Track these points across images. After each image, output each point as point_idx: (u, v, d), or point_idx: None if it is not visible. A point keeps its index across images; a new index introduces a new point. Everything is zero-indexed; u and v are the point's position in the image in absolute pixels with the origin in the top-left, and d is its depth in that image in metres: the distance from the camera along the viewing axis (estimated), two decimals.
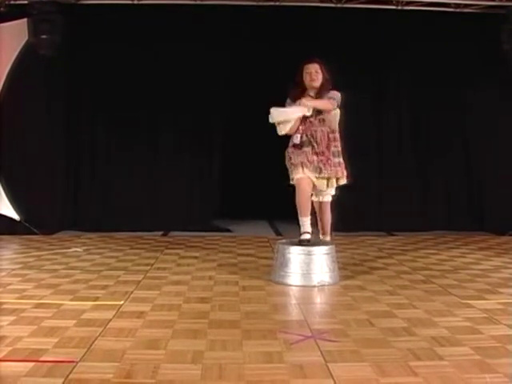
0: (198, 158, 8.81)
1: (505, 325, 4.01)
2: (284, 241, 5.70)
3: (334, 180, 5.64)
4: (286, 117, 5.51)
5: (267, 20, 8.32)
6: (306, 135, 5.55)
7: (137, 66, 8.33)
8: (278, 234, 8.45)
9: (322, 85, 5.63)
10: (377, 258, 6.61)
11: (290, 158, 5.60)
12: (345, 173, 5.67)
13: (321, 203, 5.85)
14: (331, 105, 5.56)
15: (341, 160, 5.65)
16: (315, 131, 5.56)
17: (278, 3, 8.17)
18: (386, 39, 8.51)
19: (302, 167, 5.49)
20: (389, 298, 4.81)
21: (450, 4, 8.20)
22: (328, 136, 5.59)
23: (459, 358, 3.35)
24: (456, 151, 8.94)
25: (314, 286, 5.21)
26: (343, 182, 5.71)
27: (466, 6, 8.23)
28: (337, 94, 5.62)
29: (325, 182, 5.58)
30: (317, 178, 5.52)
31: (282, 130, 5.56)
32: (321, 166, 5.50)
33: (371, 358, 3.35)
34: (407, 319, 4.14)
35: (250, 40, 8.61)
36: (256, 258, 6.60)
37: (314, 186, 5.60)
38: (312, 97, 5.61)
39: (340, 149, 5.67)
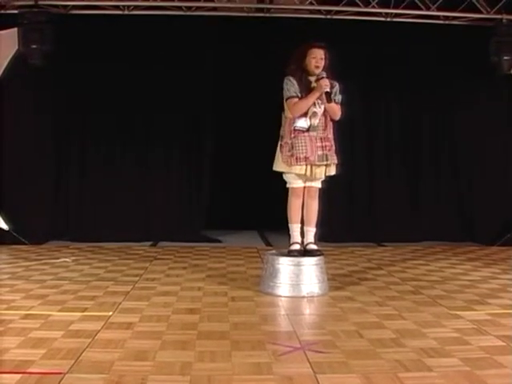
0: (188, 168, 8.80)
1: (493, 336, 4.02)
2: (273, 251, 5.69)
3: (332, 168, 5.42)
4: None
5: (257, 30, 8.34)
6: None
7: (127, 77, 8.31)
8: (268, 244, 8.45)
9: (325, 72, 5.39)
10: (366, 269, 6.61)
11: (293, 146, 5.29)
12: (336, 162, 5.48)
13: (311, 188, 5.51)
14: (340, 113, 5.41)
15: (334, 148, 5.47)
16: (322, 115, 5.37)
17: (268, 14, 8.22)
18: (377, 45, 8.51)
19: (306, 165, 5.28)
20: (378, 308, 4.82)
21: (438, 16, 8.27)
22: (330, 122, 5.42)
23: (448, 370, 3.35)
24: (445, 162, 8.99)
25: (303, 297, 5.20)
26: (333, 172, 5.48)
27: (454, 18, 8.30)
28: (338, 90, 5.44)
29: (323, 168, 5.38)
30: (318, 165, 5.33)
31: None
32: (326, 152, 5.32)
33: (360, 370, 3.35)
34: (396, 330, 4.15)
35: (239, 52, 8.62)
36: (245, 269, 6.60)
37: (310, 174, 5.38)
38: (324, 78, 5.28)
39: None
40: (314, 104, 5.34)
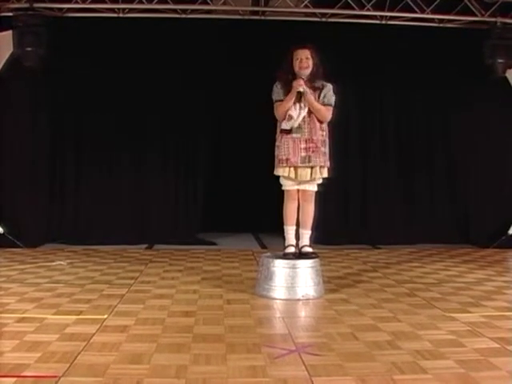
0: (183, 170, 8.80)
1: (488, 338, 4.03)
2: (268, 254, 5.68)
3: (318, 170, 5.38)
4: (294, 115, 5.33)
5: (253, 33, 8.33)
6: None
7: (123, 78, 8.30)
8: (263, 246, 8.44)
9: (313, 73, 5.39)
10: (361, 271, 6.62)
11: (278, 147, 5.39)
12: (328, 165, 5.45)
13: (306, 192, 5.49)
14: (328, 115, 5.40)
15: (326, 151, 5.43)
16: (308, 117, 5.34)
17: (263, 17, 8.22)
18: (372, 50, 8.50)
19: (288, 167, 5.30)
20: (373, 311, 4.82)
21: (433, 19, 8.28)
22: (317, 124, 5.37)
23: (443, 372, 3.36)
24: (440, 164, 9.00)
25: (299, 300, 5.20)
26: (325, 174, 5.45)
27: (449, 21, 8.32)
28: (330, 91, 5.43)
29: (309, 171, 5.36)
30: (302, 167, 5.32)
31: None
32: (310, 154, 5.30)
33: (355, 372, 3.35)
34: (391, 332, 4.15)
35: (235, 54, 8.61)
36: (241, 271, 6.59)
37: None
38: (304, 80, 5.31)
39: (327, 139, 5.45)
40: (293, 107, 5.33)
